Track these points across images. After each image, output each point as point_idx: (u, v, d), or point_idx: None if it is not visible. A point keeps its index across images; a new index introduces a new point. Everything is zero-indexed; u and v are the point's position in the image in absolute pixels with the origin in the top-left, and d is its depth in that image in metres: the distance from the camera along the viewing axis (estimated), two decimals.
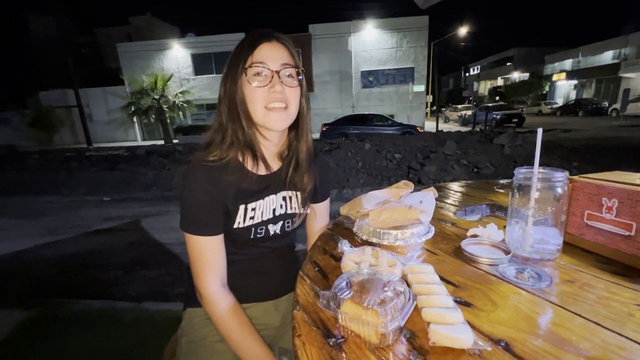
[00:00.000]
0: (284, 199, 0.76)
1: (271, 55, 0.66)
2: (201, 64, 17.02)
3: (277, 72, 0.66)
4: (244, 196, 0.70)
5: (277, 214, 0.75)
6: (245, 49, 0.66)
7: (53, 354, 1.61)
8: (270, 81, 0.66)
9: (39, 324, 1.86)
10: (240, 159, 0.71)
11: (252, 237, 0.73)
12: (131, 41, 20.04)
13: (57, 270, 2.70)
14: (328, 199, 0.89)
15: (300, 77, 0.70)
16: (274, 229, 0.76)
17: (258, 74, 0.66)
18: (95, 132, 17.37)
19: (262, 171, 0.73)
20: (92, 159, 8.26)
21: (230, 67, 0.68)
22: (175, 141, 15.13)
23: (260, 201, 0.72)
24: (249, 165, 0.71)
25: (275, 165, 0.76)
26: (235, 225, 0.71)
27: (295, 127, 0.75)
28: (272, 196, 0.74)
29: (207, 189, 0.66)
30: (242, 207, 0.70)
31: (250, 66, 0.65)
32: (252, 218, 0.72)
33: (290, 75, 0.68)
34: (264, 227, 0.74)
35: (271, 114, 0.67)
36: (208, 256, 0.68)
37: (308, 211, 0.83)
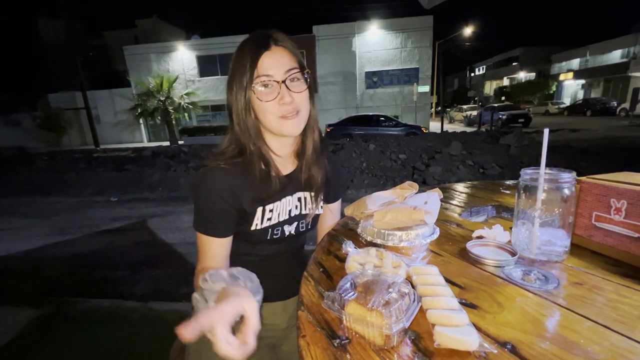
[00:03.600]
0: (299, 199, 0.78)
1: (274, 65, 0.65)
2: (206, 65, 17.15)
3: (284, 82, 0.65)
4: (262, 198, 0.71)
5: (292, 214, 0.76)
6: (246, 61, 0.65)
7: (62, 351, 1.64)
8: (279, 92, 0.65)
9: (48, 322, 1.90)
10: (258, 163, 0.71)
11: (268, 238, 0.74)
12: (138, 44, 20.28)
13: (67, 269, 2.74)
14: (340, 200, 0.91)
15: (306, 77, 0.70)
16: (289, 229, 0.77)
17: (265, 86, 0.65)
18: (102, 133, 17.60)
19: (279, 173, 0.74)
20: (100, 160, 8.38)
21: (233, 79, 0.67)
22: (180, 142, 15.26)
23: (278, 202, 0.73)
24: (266, 168, 0.72)
25: (290, 166, 0.78)
26: (253, 227, 0.71)
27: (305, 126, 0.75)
28: (289, 197, 0.75)
29: (222, 193, 0.67)
30: (259, 209, 0.71)
31: (255, 82, 0.65)
32: (269, 219, 0.73)
33: (296, 79, 0.67)
34: (280, 228, 0.75)
35: (285, 122, 0.67)
36: (212, 255, 0.70)
37: (321, 211, 0.83)
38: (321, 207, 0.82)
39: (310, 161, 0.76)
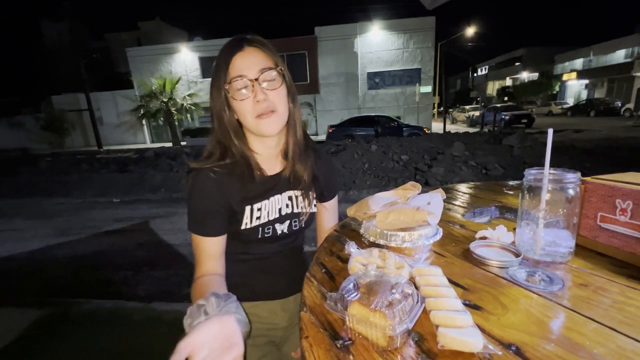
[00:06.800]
0: (290, 198, 0.78)
1: (246, 65, 0.66)
2: (209, 67, 17.22)
3: (257, 80, 0.66)
4: (249, 197, 0.72)
5: (283, 213, 0.77)
6: (221, 64, 0.67)
7: (64, 352, 1.64)
8: (253, 91, 0.66)
9: (51, 323, 1.90)
10: (240, 163, 0.72)
11: (260, 236, 0.75)
12: (140, 45, 20.41)
13: (69, 270, 2.75)
14: (335, 198, 0.90)
15: (282, 75, 0.70)
16: (281, 228, 0.77)
17: (239, 86, 0.66)
18: (105, 134, 17.71)
19: (265, 172, 0.75)
20: (102, 161, 8.42)
21: (212, 84, 0.69)
22: (183, 143, 15.34)
23: (265, 201, 0.74)
24: (253, 168, 0.73)
25: (278, 165, 0.78)
26: (243, 227, 0.73)
27: (286, 124, 0.75)
28: (277, 196, 0.76)
29: (211, 194, 0.69)
30: (247, 208, 0.72)
31: (230, 82, 0.66)
32: (258, 218, 0.73)
33: (271, 78, 0.68)
34: (271, 227, 0.76)
35: (262, 121, 0.68)
36: (207, 254, 0.71)
37: (314, 210, 0.83)
38: (314, 205, 0.82)
39: (294, 160, 0.76)
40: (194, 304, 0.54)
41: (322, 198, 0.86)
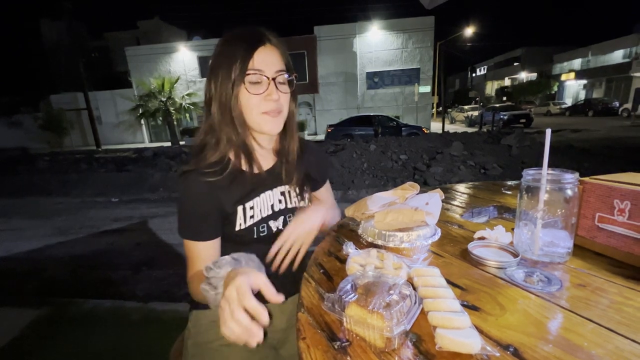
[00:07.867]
0: (282, 194, 0.77)
1: (267, 62, 0.67)
2: (207, 66, 17.18)
3: (274, 79, 0.67)
4: (241, 197, 0.71)
5: (276, 209, 0.76)
6: (239, 53, 0.65)
7: (63, 352, 1.64)
8: (267, 88, 0.67)
9: (49, 323, 1.90)
10: (235, 160, 0.72)
11: (255, 236, 0.74)
12: (139, 45, 20.36)
13: (68, 270, 2.74)
14: (328, 183, 0.92)
15: (291, 80, 0.71)
16: (276, 225, 0.76)
17: (255, 80, 0.66)
18: (104, 134, 17.65)
19: (256, 169, 0.74)
20: (101, 161, 8.39)
21: (220, 67, 0.66)
22: (182, 143, 15.32)
23: (257, 198, 0.73)
24: (244, 165, 0.72)
25: (269, 162, 0.78)
26: (237, 228, 0.72)
27: (284, 126, 0.75)
28: (269, 192, 0.75)
29: (201, 197, 0.68)
30: (240, 208, 0.71)
31: (248, 73, 0.65)
32: (252, 217, 0.73)
33: (284, 82, 0.69)
34: (265, 225, 0.75)
35: (267, 118, 0.68)
36: (201, 259, 0.69)
37: (308, 204, 0.83)
38: (308, 199, 0.83)
39: (291, 160, 0.77)
40: (201, 285, 0.54)
41: (315, 187, 0.88)
